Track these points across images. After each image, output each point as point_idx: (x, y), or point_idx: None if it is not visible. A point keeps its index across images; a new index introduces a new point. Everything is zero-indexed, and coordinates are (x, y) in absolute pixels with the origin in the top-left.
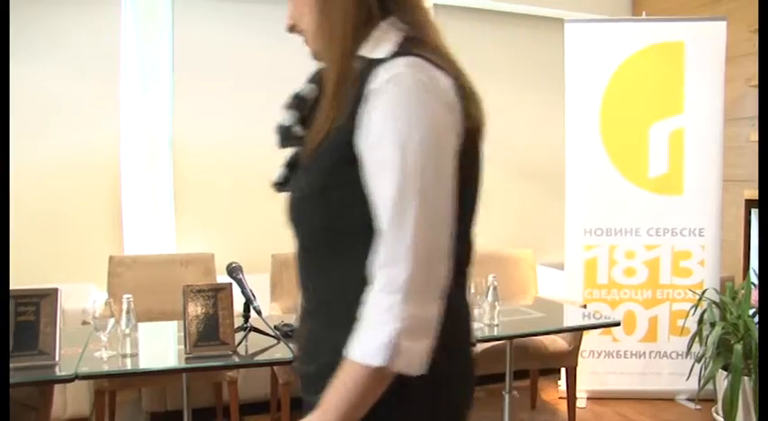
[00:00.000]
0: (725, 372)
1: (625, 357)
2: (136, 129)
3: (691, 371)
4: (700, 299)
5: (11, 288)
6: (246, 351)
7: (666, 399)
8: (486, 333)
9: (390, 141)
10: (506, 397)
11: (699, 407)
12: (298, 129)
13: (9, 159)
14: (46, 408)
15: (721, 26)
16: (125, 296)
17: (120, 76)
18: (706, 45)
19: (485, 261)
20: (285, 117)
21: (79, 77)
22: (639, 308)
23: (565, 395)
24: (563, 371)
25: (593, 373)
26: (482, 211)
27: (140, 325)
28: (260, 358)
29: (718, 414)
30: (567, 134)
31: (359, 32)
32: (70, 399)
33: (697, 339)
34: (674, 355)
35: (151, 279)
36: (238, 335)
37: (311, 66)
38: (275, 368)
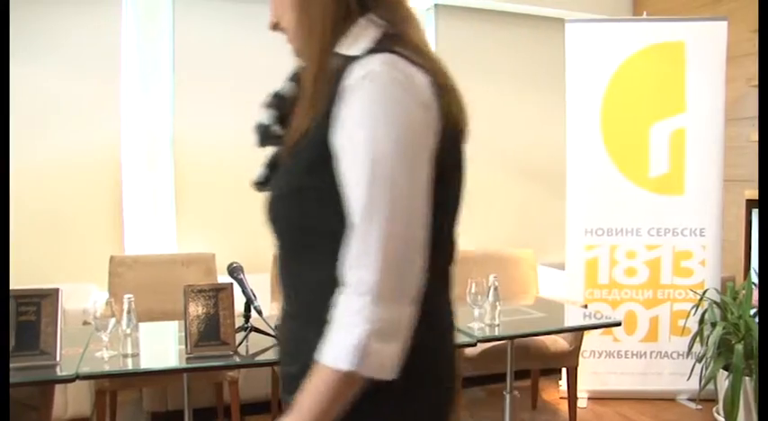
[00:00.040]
0: (726, 372)
1: (626, 357)
2: (136, 128)
3: (692, 371)
4: (701, 299)
5: (12, 288)
6: (247, 351)
7: (667, 399)
8: (487, 333)
9: (363, 139)
10: (507, 397)
11: (700, 407)
12: (277, 129)
13: (9, 159)
14: (47, 408)
15: (722, 26)
16: (126, 296)
17: (120, 75)
18: (707, 45)
19: (486, 261)
20: (264, 116)
21: (80, 77)
22: (640, 308)
23: (566, 395)
24: (564, 371)
25: (594, 373)
26: (483, 211)
27: (141, 325)
28: (261, 358)
29: (719, 414)
30: (567, 134)
31: (337, 29)
32: (71, 399)
33: (698, 339)
34: (674, 355)
35: (152, 279)
36: (239, 335)
37: None
38: (276, 368)
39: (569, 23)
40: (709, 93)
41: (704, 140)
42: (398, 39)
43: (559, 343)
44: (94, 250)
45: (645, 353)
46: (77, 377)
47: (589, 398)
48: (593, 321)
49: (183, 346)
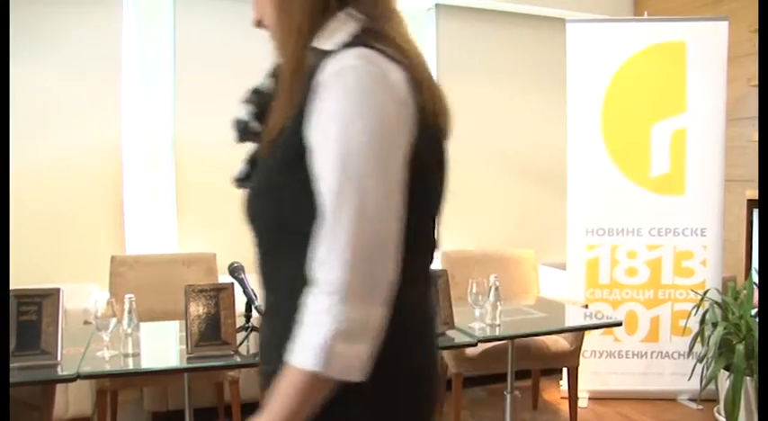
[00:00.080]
0: (727, 373)
1: (627, 357)
2: (137, 128)
3: (693, 371)
4: (702, 299)
5: (13, 288)
6: (248, 351)
7: (668, 400)
8: (488, 333)
9: (336, 134)
10: (508, 397)
11: (701, 407)
12: (255, 125)
13: (9, 159)
14: (48, 408)
15: (723, 26)
16: (127, 296)
17: (121, 75)
18: (708, 45)
19: (486, 261)
20: (243, 111)
21: (80, 77)
22: (641, 308)
23: (566, 395)
24: (565, 371)
25: (595, 373)
26: (484, 211)
27: (142, 324)
28: None
29: (720, 414)
30: (568, 134)
31: (315, 23)
32: (72, 399)
33: (699, 339)
34: (675, 355)
35: (153, 279)
36: (240, 335)
37: None
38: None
39: (570, 23)
40: (710, 93)
41: (705, 140)
42: (376, 33)
43: (560, 343)
44: (95, 250)
45: (646, 353)
46: (78, 376)
47: (590, 399)
48: (594, 321)
49: (184, 346)
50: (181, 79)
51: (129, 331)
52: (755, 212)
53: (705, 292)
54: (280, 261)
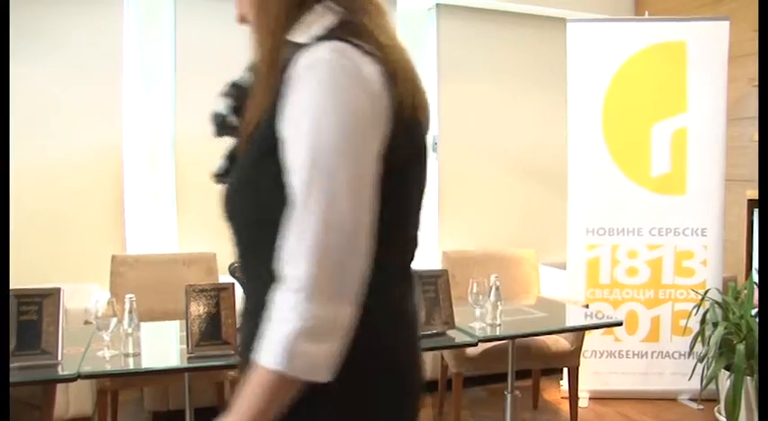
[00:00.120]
0: (727, 372)
1: (627, 357)
2: (138, 129)
3: (693, 371)
4: (702, 299)
5: (13, 288)
6: None
7: (669, 399)
8: (489, 333)
9: (307, 126)
10: (508, 396)
11: (701, 407)
12: (233, 119)
13: (9, 159)
14: (48, 408)
15: (724, 26)
16: (127, 296)
17: (121, 76)
18: (708, 45)
19: (487, 260)
20: (221, 105)
21: (81, 78)
22: (642, 307)
23: (567, 395)
24: (565, 370)
25: (596, 373)
26: (484, 211)
27: (143, 324)
28: None
29: (720, 414)
30: (569, 133)
31: (291, 16)
32: (72, 399)
33: (699, 339)
34: (676, 355)
35: (153, 278)
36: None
37: None
38: None
39: (571, 23)
40: (710, 92)
41: (706, 140)
42: (353, 26)
43: (561, 342)
44: (96, 250)
45: (646, 352)
46: (79, 376)
47: (590, 398)
48: (595, 321)
49: (185, 346)
50: (181, 79)
51: (130, 331)
52: (756, 212)
53: (705, 292)
54: (262, 257)
